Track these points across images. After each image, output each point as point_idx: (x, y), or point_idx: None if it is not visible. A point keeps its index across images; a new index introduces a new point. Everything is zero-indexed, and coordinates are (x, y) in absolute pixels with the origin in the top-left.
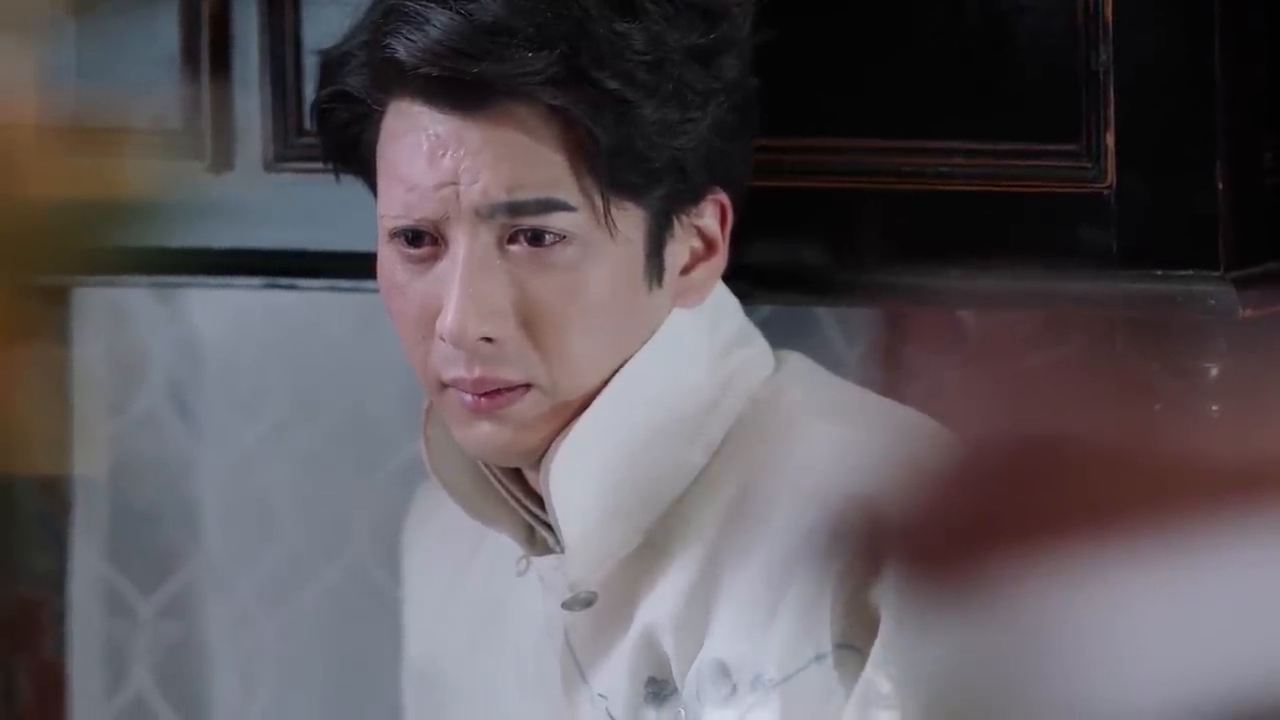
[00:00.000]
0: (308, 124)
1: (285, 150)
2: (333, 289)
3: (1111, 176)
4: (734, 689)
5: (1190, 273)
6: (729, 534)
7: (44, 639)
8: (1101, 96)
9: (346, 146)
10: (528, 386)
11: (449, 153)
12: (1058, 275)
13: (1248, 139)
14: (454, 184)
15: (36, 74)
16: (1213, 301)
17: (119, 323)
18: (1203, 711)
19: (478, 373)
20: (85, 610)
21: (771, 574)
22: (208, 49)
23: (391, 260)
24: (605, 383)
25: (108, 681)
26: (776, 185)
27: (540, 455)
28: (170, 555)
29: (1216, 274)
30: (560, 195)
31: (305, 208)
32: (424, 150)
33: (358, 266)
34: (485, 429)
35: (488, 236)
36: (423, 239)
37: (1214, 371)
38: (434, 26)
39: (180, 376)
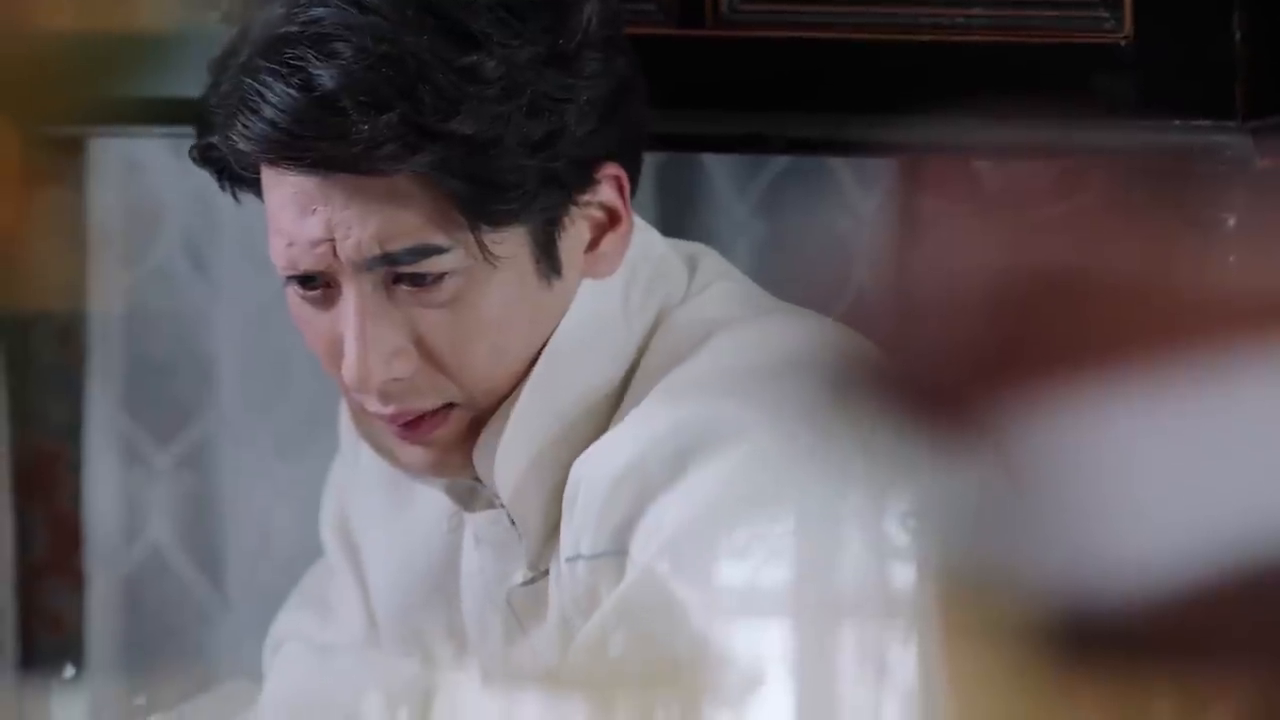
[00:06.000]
0: None
1: None
2: None
3: (1129, 27)
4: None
5: (1208, 123)
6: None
7: (60, 489)
8: None
9: (232, 181)
10: (450, 406)
11: (318, 209)
12: (1075, 125)
13: None
14: (329, 240)
15: None
16: (1230, 152)
17: (134, 175)
18: (1216, 552)
19: (391, 409)
20: (101, 460)
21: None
22: None
23: (294, 298)
24: (526, 373)
25: (124, 532)
26: (793, 37)
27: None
28: (186, 406)
29: (1234, 124)
30: (432, 240)
31: None
32: (294, 206)
33: None
34: (416, 452)
35: (373, 283)
36: (315, 281)
37: (1231, 221)
38: (270, 106)
39: (195, 229)
